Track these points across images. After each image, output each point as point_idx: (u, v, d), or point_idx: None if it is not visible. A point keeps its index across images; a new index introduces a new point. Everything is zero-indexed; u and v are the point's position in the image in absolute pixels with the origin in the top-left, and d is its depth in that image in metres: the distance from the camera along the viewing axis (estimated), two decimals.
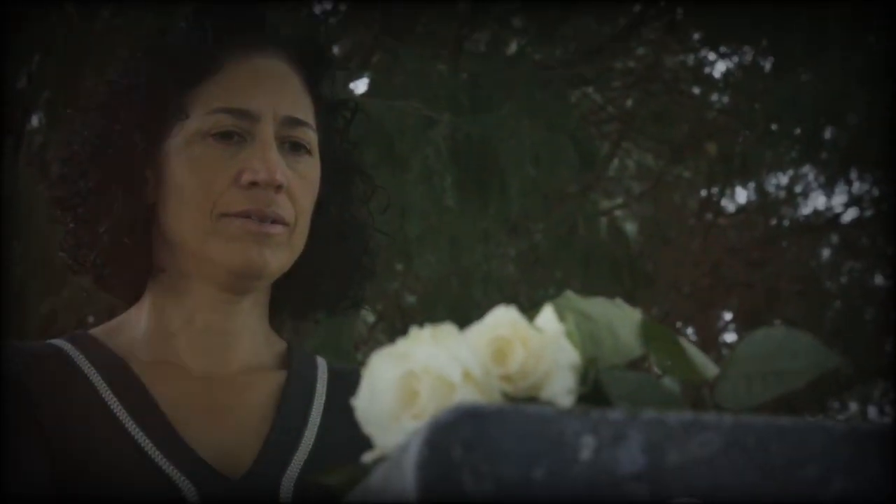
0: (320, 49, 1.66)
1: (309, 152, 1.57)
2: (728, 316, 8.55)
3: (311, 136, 1.58)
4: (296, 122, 1.56)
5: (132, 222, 1.55)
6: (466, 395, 0.84)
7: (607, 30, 5.97)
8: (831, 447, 0.81)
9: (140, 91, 1.56)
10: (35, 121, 5.31)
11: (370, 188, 1.69)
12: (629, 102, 7.04)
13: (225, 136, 1.53)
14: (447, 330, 0.87)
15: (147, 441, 1.49)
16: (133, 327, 1.61)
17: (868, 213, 7.93)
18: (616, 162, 7.85)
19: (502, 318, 0.88)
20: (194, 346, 1.58)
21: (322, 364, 1.69)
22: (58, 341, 1.60)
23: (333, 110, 1.66)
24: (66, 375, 1.54)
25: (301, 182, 1.55)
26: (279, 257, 1.54)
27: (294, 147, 1.56)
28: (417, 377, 0.86)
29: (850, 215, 8.11)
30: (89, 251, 1.58)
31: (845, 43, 5.21)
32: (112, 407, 1.52)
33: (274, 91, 1.56)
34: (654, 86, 6.53)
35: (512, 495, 0.76)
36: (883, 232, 7.94)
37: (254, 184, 1.51)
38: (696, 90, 6.74)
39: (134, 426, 1.50)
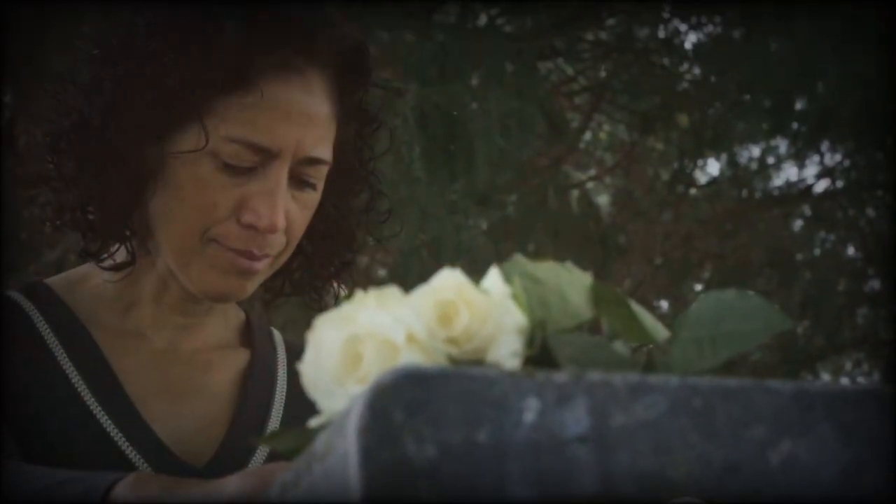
0: (364, 66, 1.52)
1: (315, 188, 1.48)
2: (700, 287, 8.56)
3: (323, 173, 1.49)
4: (314, 162, 1.46)
5: (125, 213, 1.46)
6: (411, 357, 0.83)
7: (577, 0, 5.94)
8: (779, 408, 0.80)
9: (158, 81, 1.41)
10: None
11: (375, 198, 1.61)
12: (600, 74, 7.02)
13: (236, 166, 1.43)
14: (391, 293, 0.86)
15: (106, 418, 1.44)
16: (97, 285, 1.54)
17: (840, 184, 7.94)
18: (588, 134, 7.84)
19: (447, 281, 0.87)
20: (160, 320, 1.53)
21: (279, 340, 1.65)
22: (11, 292, 1.53)
23: (357, 120, 1.55)
24: (18, 331, 1.48)
25: (300, 213, 1.48)
26: (257, 283, 1.50)
27: (303, 183, 1.47)
28: (361, 340, 0.85)
29: (821, 186, 8.13)
30: (74, 228, 1.49)
31: (815, 12, 5.21)
32: (69, 374, 1.46)
33: (301, 125, 1.44)
34: (626, 57, 6.52)
35: (455, 459, 0.75)
36: (854, 203, 7.96)
37: (251, 226, 1.43)
38: (667, 61, 6.72)
39: (92, 400, 1.45)
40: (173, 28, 1.42)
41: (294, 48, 1.44)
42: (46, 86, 1.52)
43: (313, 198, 1.49)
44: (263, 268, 1.47)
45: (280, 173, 1.43)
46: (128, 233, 1.47)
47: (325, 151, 1.47)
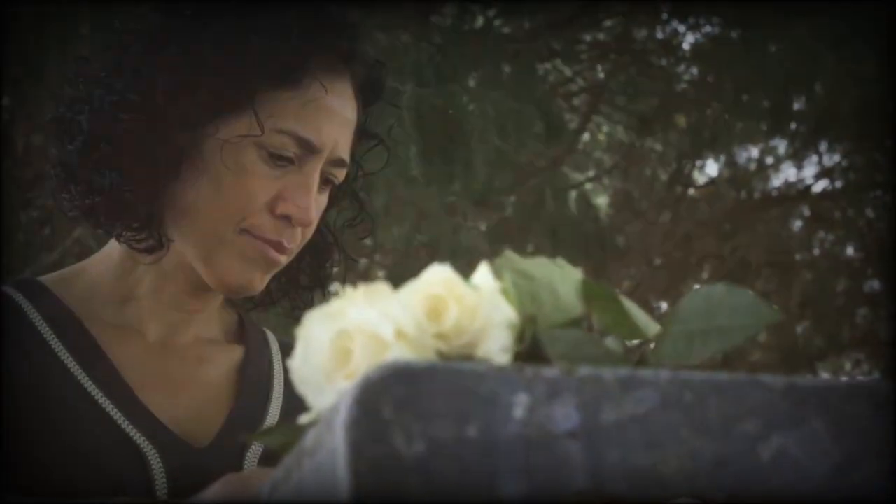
0: (382, 83, 1.58)
1: (333, 185, 1.54)
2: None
3: (343, 175, 1.54)
4: (342, 164, 1.51)
5: (156, 198, 1.47)
6: (400, 353, 0.83)
7: (575, 2, 5.95)
8: (770, 403, 0.80)
9: (217, 69, 1.44)
10: None
11: (360, 215, 1.65)
12: (598, 75, 7.03)
13: (280, 156, 1.46)
14: (380, 288, 0.86)
15: (108, 402, 1.44)
16: (92, 280, 1.55)
17: (838, 184, 7.95)
18: (586, 135, 7.84)
19: (436, 276, 0.86)
20: (156, 315, 1.54)
21: (272, 339, 1.67)
22: (3, 287, 1.53)
23: (358, 135, 1.57)
24: (13, 325, 1.48)
25: (316, 213, 1.51)
26: (268, 278, 1.52)
27: (328, 182, 1.52)
28: (350, 336, 0.84)
29: (820, 186, 8.14)
30: (102, 210, 1.48)
31: (813, 12, 5.21)
32: (67, 364, 1.46)
33: (340, 126, 1.49)
34: (623, 58, 6.52)
35: (444, 454, 0.75)
36: (853, 203, 7.97)
37: (286, 217, 1.47)
38: (665, 62, 6.73)
39: (92, 386, 1.44)
40: (231, 18, 1.46)
41: (338, 53, 1.49)
42: (78, 60, 1.52)
43: (327, 195, 1.54)
44: (282, 264, 1.50)
45: (317, 170, 1.48)
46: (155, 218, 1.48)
47: (349, 153, 1.53)
